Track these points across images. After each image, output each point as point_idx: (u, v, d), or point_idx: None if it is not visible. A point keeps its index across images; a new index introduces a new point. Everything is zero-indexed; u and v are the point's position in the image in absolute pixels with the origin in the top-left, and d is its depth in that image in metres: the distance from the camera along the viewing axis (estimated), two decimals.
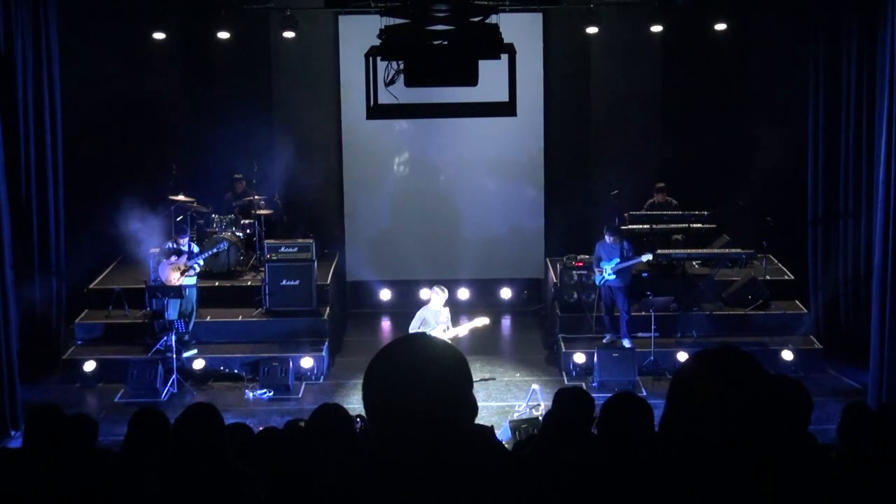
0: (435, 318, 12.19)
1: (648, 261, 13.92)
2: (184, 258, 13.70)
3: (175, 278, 13.55)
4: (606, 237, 13.68)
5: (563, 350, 13.70)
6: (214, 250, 14.52)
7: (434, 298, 12.31)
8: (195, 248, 13.96)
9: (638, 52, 15.93)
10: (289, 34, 14.86)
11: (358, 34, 14.51)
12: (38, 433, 5.10)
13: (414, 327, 12.03)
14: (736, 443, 2.30)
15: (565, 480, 4.24)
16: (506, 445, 8.06)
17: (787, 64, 14.64)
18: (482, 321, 12.58)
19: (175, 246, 13.78)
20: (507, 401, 12.70)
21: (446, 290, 12.44)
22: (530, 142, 16.43)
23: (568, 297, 14.38)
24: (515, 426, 10.60)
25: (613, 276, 13.58)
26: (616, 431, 4.43)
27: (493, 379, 13.35)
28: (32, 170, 12.71)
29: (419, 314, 12.27)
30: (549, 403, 11.13)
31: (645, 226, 15.05)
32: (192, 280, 13.74)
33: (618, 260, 13.54)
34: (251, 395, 12.98)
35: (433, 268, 16.14)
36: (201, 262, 13.91)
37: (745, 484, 2.32)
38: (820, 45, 13.26)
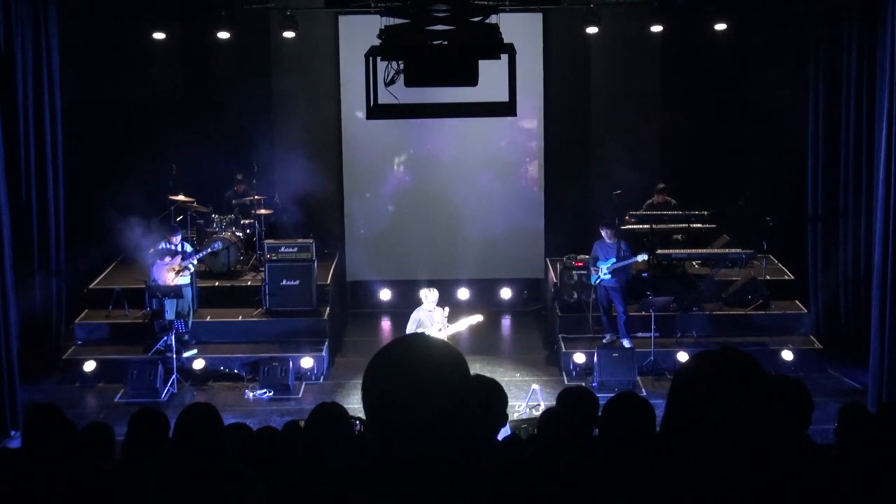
0: (430, 318, 12.20)
1: (644, 260, 13.91)
2: (178, 258, 13.70)
3: (170, 279, 13.55)
4: (604, 235, 13.68)
5: (563, 350, 13.70)
6: (208, 250, 14.48)
7: (425, 300, 12.32)
8: (188, 248, 13.97)
9: (638, 52, 15.91)
10: (289, 34, 14.85)
11: (358, 34, 14.50)
12: (36, 433, 5.09)
13: (410, 329, 12.03)
14: (736, 444, 2.30)
15: (566, 480, 4.24)
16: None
17: (787, 64, 14.63)
18: (476, 318, 12.55)
19: (169, 246, 13.78)
20: None
21: (435, 290, 12.43)
22: (530, 142, 16.43)
23: (568, 297, 14.37)
24: (515, 426, 10.58)
25: (609, 276, 13.58)
26: (617, 431, 4.43)
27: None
28: (32, 170, 12.70)
29: (413, 316, 12.28)
30: (550, 403, 11.17)
31: (645, 226, 15.04)
32: (187, 279, 13.74)
33: (614, 259, 13.53)
34: (251, 395, 12.98)
35: (433, 268, 16.13)
36: (195, 262, 13.93)
37: (746, 485, 2.32)
38: (820, 45, 13.25)
